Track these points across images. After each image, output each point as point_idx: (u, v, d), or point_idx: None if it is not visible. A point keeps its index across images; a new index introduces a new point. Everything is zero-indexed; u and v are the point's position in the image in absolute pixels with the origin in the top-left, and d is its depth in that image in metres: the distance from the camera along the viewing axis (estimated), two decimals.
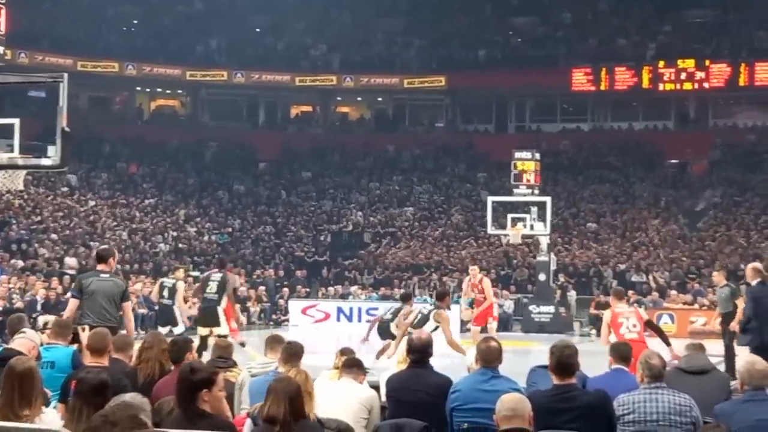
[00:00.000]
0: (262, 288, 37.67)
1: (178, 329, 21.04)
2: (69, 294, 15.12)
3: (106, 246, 19.39)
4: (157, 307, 23.31)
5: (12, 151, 12.06)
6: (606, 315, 15.17)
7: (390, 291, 38.58)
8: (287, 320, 34.91)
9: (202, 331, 18.78)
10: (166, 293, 21.49)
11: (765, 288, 15.85)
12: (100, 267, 13.00)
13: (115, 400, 5.82)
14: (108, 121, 52.14)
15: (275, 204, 49.17)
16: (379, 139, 53.72)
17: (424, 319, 16.86)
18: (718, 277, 18.66)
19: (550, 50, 53.05)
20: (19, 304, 26.89)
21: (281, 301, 37.03)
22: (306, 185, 50.89)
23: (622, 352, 9.14)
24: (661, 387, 7.75)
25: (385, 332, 18.96)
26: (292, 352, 9.19)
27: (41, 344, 9.78)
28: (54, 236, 38.35)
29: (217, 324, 18.54)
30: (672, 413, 7.59)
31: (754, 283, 15.90)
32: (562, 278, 38.11)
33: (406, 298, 19.72)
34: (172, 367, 8.97)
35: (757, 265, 16.84)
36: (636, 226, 44.29)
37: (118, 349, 9.52)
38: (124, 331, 12.76)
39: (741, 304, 17.78)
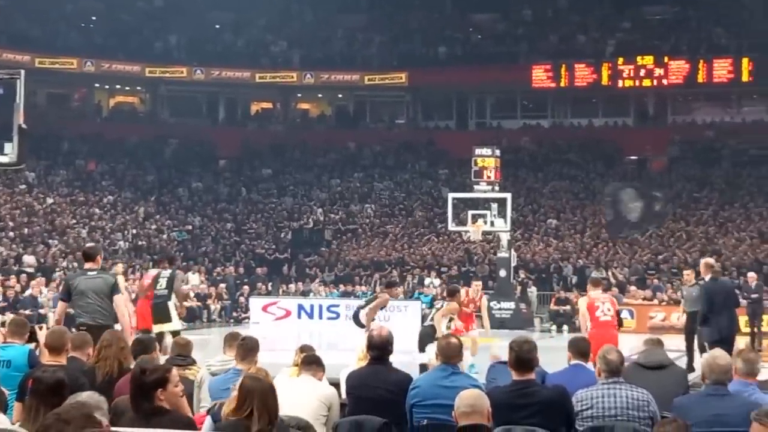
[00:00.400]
0: (222, 285, 37.59)
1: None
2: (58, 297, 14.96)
3: (92, 244, 19.23)
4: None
5: None
6: (582, 302, 15.95)
7: (351, 288, 38.58)
8: (248, 318, 34.79)
9: (154, 328, 18.60)
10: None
11: (717, 283, 16.27)
12: (87, 265, 12.91)
13: (71, 399, 5.78)
14: (67, 118, 51.74)
15: (235, 201, 49.02)
16: (340, 136, 53.63)
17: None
18: (689, 276, 18.85)
19: (510, 47, 53.22)
20: None
21: (242, 299, 36.93)
22: (266, 182, 50.77)
23: (580, 348, 9.16)
24: (619, 382, 7.80)
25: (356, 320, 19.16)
26: (248, 349, 9.14)
27: None
28: (12, 234, 38.03)
29: (169, 320, 18.38)
30: (630, 408, 7.63)
31: (707, 278, 16.23)
32: (522, 274, 38.25)
33: (391, 285, 19.86)
34: (132, 365, 8.91)
35: (710, 260, 17.47)
36: (596, 222, 44.49)
37: (75, 347, 9.43)
38: (118, 326, 12.60)
39: None
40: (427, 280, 38.66)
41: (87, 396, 5.89)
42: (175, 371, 7.00)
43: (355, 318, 19.20)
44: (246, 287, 37.93)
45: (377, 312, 18.51)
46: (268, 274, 41.27)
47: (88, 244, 19.12)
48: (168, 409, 6.52)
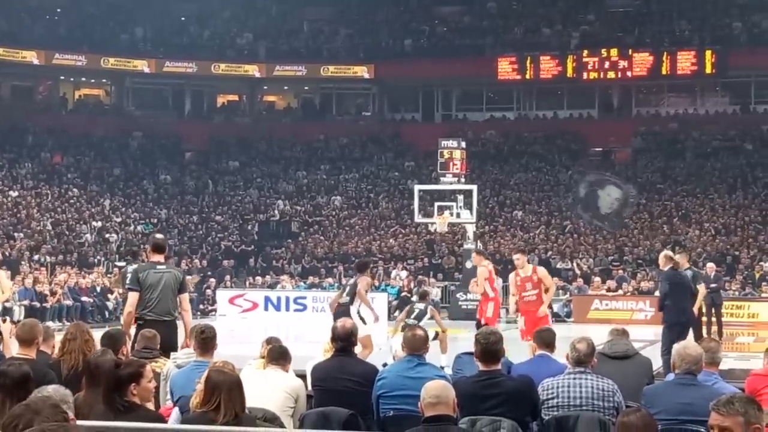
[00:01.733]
0: (189, 278, 37.43)
1: None
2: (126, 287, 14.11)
3: (160, 236, 18.62)
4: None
5: None
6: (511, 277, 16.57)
7: (318, 280, 38.62)
8: (215, 310, 34.75)
9: None
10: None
11: (677, 273, 16.95)
12: (156, 258, 12.44)
13: (37, 392, 5.78)
14: (31, 111, 51.35)
15: (202, 194, 48.89)
16: (307, 129, 53.56)
17: (421, 314, 17.65)
18: (682, 260, 19.09)
19: (476, 39, 53.30)
20: None
21: (208, 291, 36.85)
22: (233, 175, 50.67)
23: (545, 338, 9.22)
24: (585, 372, 7.87)
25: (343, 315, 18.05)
26: (206, 341, 9.11)
27: None
28: None
29: None
30: (595, 398, 7.72)
31: (666, 269, 16.81)
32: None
33: (363, 266, 19.24)
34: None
35: (668, 252, 17.98)
36: (561, 213, 44.70)
37: (43, 341, 9.41)
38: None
39: (702, 289, 20.20)
40: (393, 273, 38.75)
41: (52, 389, 5.90)
42: (149, 367, 7.01)
43: (355, 315, 17.20)
44: (212, 280, 37.85)
45: (365, 296, 17.83)
46: (234, 267, 41.22)
47: (157, 236, 18.50)
48: (139, 404, 6.54)
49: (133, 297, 12.12)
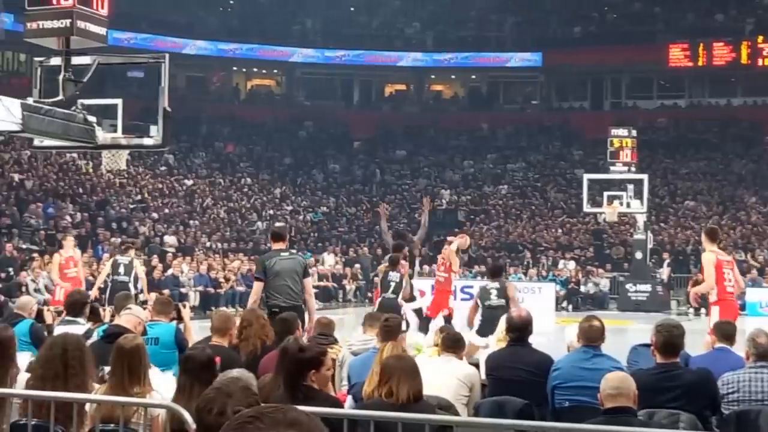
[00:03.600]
0: (357, 266, 37.85)
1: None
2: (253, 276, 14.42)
3: (280, 224, 19.04)
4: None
5: (115, 131, 12.16)
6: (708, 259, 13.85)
7: (481, 269, 38.57)
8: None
9: None
10: (121, 270, 20.17)
11: None
12: (277, 246, 12.70)
13: (223, 375, 5.92)
14: (205, 101, 52.65)
15: (370, 182, 49.34)
16: (473, 118, 53.53)
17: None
18: None
19: (646, 26, 52.32)
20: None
21: (376, 279, 37.08)
22: (400, 164, 50.99)
23: (725, 331, 8.99)
24: (766, 366, 7.66)
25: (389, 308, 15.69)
26: (390, 329, 9.16)
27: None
28: (154, 215, 38.89)
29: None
30: None
31: None
32: (666, 257, 37.43)
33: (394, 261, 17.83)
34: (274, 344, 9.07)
35: None
36: (734, 204, 43.59)
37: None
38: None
39: None
40: (561, 263, 38.41)
41: (238, 372, 6.02)
42: (329, 356, 7.09)
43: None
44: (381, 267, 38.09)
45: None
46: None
47: (277, 224, 18.87)
48: (318, 390, 6.62)
49: (257, 286, 12.45)
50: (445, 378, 8.21)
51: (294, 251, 14.10)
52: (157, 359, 8.79)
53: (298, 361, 6.61)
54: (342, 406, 7.05)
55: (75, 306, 10.87)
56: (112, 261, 20.73)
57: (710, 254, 13.11)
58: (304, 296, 12.38)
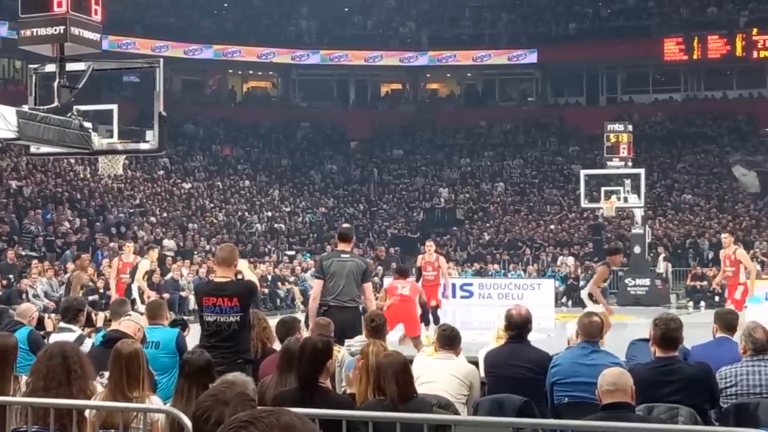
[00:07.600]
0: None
1: None
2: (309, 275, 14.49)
3: (347, 225, 18.95)
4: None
5: (111, 136, 12.17)
6: (743, 255, 18.14)
7: (484, 267, 38.62)
8: None
9: None
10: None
11: None
12: (341, 247, 12.58)
13: (220, 380, 5.93)
14: (201, 104, 52.66)
15: (367, 182, 49.38)
16: (470, 115, 53.56)
17: None
18: None
19: (641, 20, 52.39)
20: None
21: (376, 279, 37.12)
22: (397, 163, 51.03)
23: (726, 321, 8.99)
24: (765, 359, 7.68)
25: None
26: (376, 327, 9.19)
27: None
28: (153, 219, 38.89)
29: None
30: None
31: None
32: (662, 251, 37.52)
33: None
34: (276, 346, 9.11)
35: None
36: (732, 197, 43.61)
37: None
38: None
39: None
40: (560, 259, 38.43)
41: (233, 377, 6.04)
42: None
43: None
44: (380, 268, 38.13)
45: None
46: (401, 255, 41.46)
47: (344, 225, 18.72)
48: (329, 390, 6.67)
49: (317, 285, 12.33)
50: (445, 377, 8.23)
51: (355, 254, 13.99)
52: (157, 363, 8.82)
53: (318, 351, 6.69)
54: (354, 405, 7.06)
55: (69, 312, 10.81)
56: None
57: (742, 249, 17.33)
58: (364, 300, 12.24)
